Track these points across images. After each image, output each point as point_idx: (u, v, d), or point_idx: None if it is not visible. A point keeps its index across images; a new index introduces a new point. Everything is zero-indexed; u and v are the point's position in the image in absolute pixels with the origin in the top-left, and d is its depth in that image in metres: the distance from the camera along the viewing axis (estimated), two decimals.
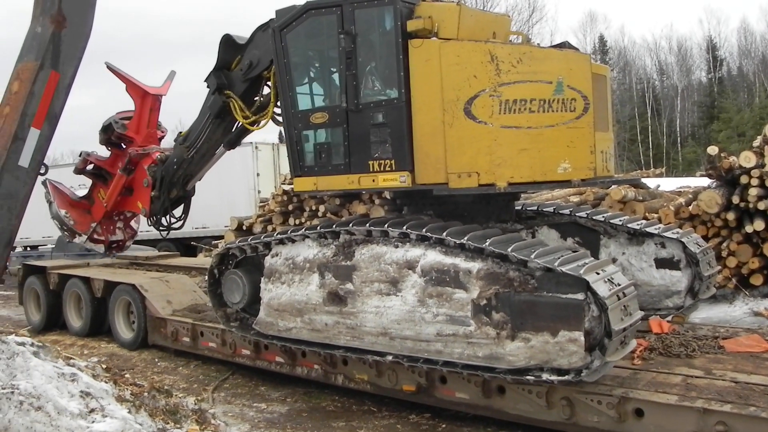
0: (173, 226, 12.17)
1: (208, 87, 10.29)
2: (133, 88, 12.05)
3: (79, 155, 12.61)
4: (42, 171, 9.09)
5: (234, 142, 10.94)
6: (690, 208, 12.94)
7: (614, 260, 9.42)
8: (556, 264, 6.67)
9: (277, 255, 8.96)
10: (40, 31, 8.51)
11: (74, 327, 14.09)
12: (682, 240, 9.28)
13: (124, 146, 12.27)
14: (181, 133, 11.21)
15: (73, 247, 25.86)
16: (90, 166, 12.69)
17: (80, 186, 13.21)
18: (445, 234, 7.37)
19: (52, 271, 14.69)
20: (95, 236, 12.72)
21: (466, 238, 7.21)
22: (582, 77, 7.91)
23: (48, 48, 8.48)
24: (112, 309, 13.18)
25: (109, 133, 12.28)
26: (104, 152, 12.72)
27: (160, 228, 12.09)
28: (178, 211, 12.17)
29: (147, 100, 12.12)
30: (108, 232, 12.92)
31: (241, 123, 10.37)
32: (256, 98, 10.15)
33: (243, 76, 9.87)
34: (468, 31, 7.93)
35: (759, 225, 11.88)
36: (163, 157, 11.70)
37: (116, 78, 11.94)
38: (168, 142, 12.30)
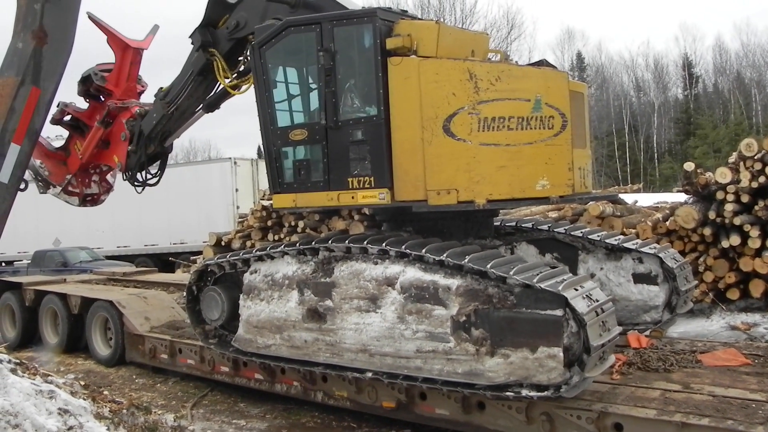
0: (148, 182, 11.93)
1: (192, 43, 10.14)
2: (114, 40, 11.70)
3: (57, 105, 12.24)
4: (22, 187, 9.00)
5: (213, 105, 10.81)
6: (667, 223, 13.05)
7: (592, 276, 9.49)
8: (534, 280, 6.71)
9: (256, 272, 8.93)
10: (21, 47, 8.46)
11: (50, 344, 13.96)
12: (660, 255, 9.36)
13: (103, 99, 11.98)
14: (162, 88, 10.99)
15: (50, 262, 25.87)
16: (67, 117, 12.38)
17: (57, 137, 12.83)
18: (424, 251, 7.39)
19: (27, 287, 14.59)
20: (70, 188, 12.38)
21: (445, 255, 7.23)
22: (560, 95, 7.98)
23: (29, 64, 8.43)
24: (89, 325, 13.10)
25: (87, 85, 11.92)
26: (82, 104, 12.37)
27: (135, 183, 11.82)
28: (153, 168, 11.95)
29: (128, 53, 11.78)
30: (83, 185, 12.55)
31: (220, 86, 10.28)
32: (240, 58, 10.05)
33: (229, 35, 9.76)
34: (447, 49, 7.98)
35: (735, 240, 12.01)
36: (142, 112, 11.43)
37: (98, 29, 11.67)
38: (148, 97, 11.94)
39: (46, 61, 8.51)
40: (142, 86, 12.16)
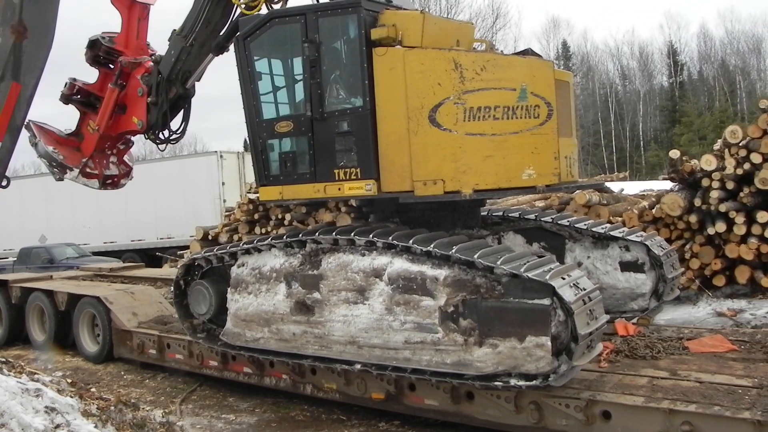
0: (171, 140, 11.32)
1: None
2: None
3: (65, 86, 11.49)
4: (3, 184, 8.94)
5: (222, 47, 10.20)
6: (653, 211, 13.11)
7: (579, 264, 9.52)
8: (522, 270, 6.71)
9: (243, 265, 8.91)
10: (1, 42, 8.42)
11: (38, 341, 13.89)
12: (646, 243, 9.40)
13: (113, 66, 11.32)
14: (174, 30, 10.42)
15: (36, 259, 25.75)
16: (77, 97, 11.63)
17: (66, 130, 12.27)
18: (411, 242, 7.38)
19: (14, 284, 14.50)
20: (88, 170, 11.68)
21: (432, 246, 7.23)
22: (545, 84, 7.98)
23: (9, 59, 8.39)
24: (77, 322, 13.03)
25: (96, 50, 11.25)
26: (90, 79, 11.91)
27: (158, 142, 11.24)
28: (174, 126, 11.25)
29: (135, 9, 11.25)
30: (101, 166, 11.88)
31: (236, 12, 9.73)
32: None
33: None
34: (432, 39, 7.97)
35: (720, 227, 12.07)
36: (157, 58, 10.82)
37: None
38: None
39: (26, 56, 8.46)
40: (152, 51, 11.57)
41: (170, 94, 10.74)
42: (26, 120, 9.22)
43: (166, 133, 11.17)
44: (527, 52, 8.45)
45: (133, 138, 12.07)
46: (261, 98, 8.78)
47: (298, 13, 8.25)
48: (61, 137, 11.79)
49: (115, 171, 12.10)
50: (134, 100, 11.03)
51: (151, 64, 10.86)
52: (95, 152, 11.64)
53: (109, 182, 12.11)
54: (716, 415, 6.13)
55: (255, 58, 8.71)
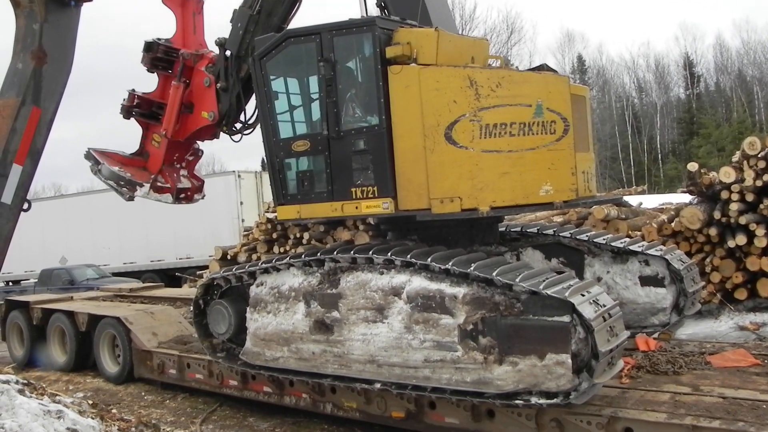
0: (246, 126, 10.71)
1: None
2: None
3: (124, 99, 11.06)
4: (25, 207, 9.01)
5: (279, 27, 9.77)
6: (672, 224, 13.02)
7: (599, 279, 9.46)
8: (541, 287, 6.69)
9: (262, 284, 8.92)
10: (21, 68, 8.52)
11: (59, 362, 13.95)
12: (666, 257, 9.33)
13: (171, 71, 10.91)
14: (235, 9, 10.07)
15: (57, 280, 25.93)
16: (138, 108, 11.18)
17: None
18: (429, 259, 7.37)
19: (35, 305, 14.58)
20: (158, 184, 11.20)
21: (450, 264, 7.21)
22: (561, 99, 7.97)
23: (29, 84, 8.48)
24: (97, 343, 13.09)
25: (153, 52, 10.80)
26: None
27: (231, 133, 10.73)
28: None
29: (188, 5, 11.02)
30: (173, 180, 11.40)
31: None
32: None
33: None
34: (447, 56, 7.99)
35: (741, 239, 11.96)
36: (221, 40, 10.22)
37: None
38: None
39: (46, 81, 8.56)
40: (210, 51, 11.07)
41: (241, 73, 10.26)
42: (46, 142, 9.26)
43: (238, 125, 10.72)
44: (542, 68, 8.45)
45: (201, 146, 11.72)
46: (278, 117, 8.83)
47: (314, 33, 8.29)
48: (125, 158, 11.40)
49: (187, 184, 11.71)
50: (201, 93, 10.64)
51: (214, 54, 10.47)
52: (164, 166, 11.27)
53: (183, 196, 11.74)
54: (740, 431, 6.06)
55: (271, 77, 8.76)
